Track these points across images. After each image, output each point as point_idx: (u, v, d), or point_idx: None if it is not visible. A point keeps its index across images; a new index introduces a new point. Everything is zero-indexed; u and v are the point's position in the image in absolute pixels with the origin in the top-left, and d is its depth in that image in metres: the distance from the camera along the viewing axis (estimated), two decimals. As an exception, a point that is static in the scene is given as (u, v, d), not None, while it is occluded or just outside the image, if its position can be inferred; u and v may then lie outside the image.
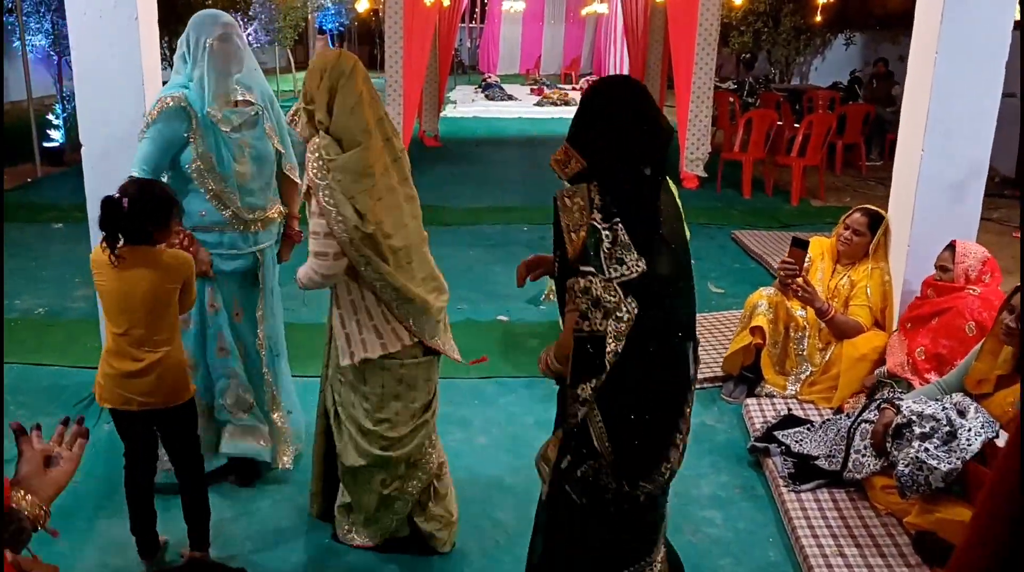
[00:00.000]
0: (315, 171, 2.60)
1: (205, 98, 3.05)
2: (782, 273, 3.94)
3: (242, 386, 3.33)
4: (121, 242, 2.58)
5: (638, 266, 2.09)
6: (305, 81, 2.69)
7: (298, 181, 3.39)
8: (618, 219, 2.10)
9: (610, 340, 2.10)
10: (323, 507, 3.16)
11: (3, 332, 4.76)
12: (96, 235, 3.77)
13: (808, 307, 4.05)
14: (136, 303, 2.61)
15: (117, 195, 2.55)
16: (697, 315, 2.34)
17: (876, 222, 4.07)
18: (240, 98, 3.14)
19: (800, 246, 3.83)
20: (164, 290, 2.63)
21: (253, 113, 3.17)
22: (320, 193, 2.59)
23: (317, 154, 2.60)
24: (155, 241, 2.63)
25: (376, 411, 2.84)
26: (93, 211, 3.75)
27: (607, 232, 2.09)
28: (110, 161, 3.68)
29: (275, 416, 3.43)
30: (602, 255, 2.08)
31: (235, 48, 3.08)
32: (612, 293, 2.08)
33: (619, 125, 2.15)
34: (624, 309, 2.09)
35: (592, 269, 2.09)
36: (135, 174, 3.07)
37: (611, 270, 2.08)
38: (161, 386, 2.67)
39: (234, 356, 3.31)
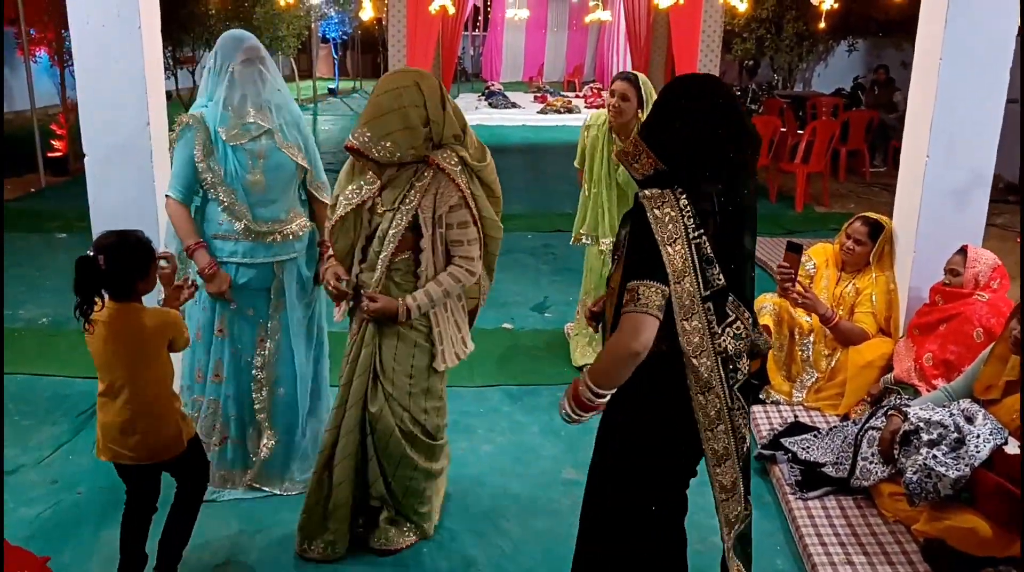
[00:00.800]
0: (466, 183, 2.77)
1: (219, 117, 3.13)
2: (779, 277, 3.94)
3: (220, 417, 3.33)
4: (105, 298, 2.51)
5: (718, 281, 2.07)
6: (408, 105, 2.63)
7: (326, 200, 3.35)
8: (702, 230, 2.04)
9: (740, 360, 2.16)
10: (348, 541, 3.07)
11: (3, 342, 4.76)
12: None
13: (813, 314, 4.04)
14: (117, 363, 2.56)
15: (91, 253, 2.46)
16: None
17: (876, 230, 4.06)
18: (251, 120, 3.17)
19: (795, 250, 3.81)
20: (146, 350, 2.57)
21: (266, 129, 3.19)
22: (472, 203, 2.79)
23: (460, 167, 2.75)
24: (139, 292, 2.57)
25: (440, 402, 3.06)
26: (96, 220, 3.75)
27: (696, 242, 2.03)
28: (113, 170, 3.68)
29: (263, 443, 3.35)
30: (697, 267, 2.04)
31: (256, 72, 3.15)
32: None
33: (703, 126, 2.04)
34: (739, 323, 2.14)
35: (685, 281, 2.03)
36: (170, 194, 3.17)
37: (703, 282, 2.05)
38: (147, 444, 2.60)
39: (228, 383, 3.31)
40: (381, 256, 2.80)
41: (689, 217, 2.03)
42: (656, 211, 2.03)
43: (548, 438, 3.91)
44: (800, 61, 13.84)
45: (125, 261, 2.49)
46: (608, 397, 2.13)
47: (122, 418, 2.57)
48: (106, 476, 3.45)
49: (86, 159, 3.71)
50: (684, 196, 2.04)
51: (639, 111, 4.17)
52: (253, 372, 3.32)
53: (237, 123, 3.14)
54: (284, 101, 3.28)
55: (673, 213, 2.02)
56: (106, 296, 2.51)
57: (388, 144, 2.63)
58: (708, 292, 2.06)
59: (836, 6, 7.65)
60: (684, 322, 2.05)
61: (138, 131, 3.64)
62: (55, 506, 3.29)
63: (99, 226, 3.77)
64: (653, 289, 2.01)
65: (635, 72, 4.29)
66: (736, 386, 2.16)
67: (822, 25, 8.62)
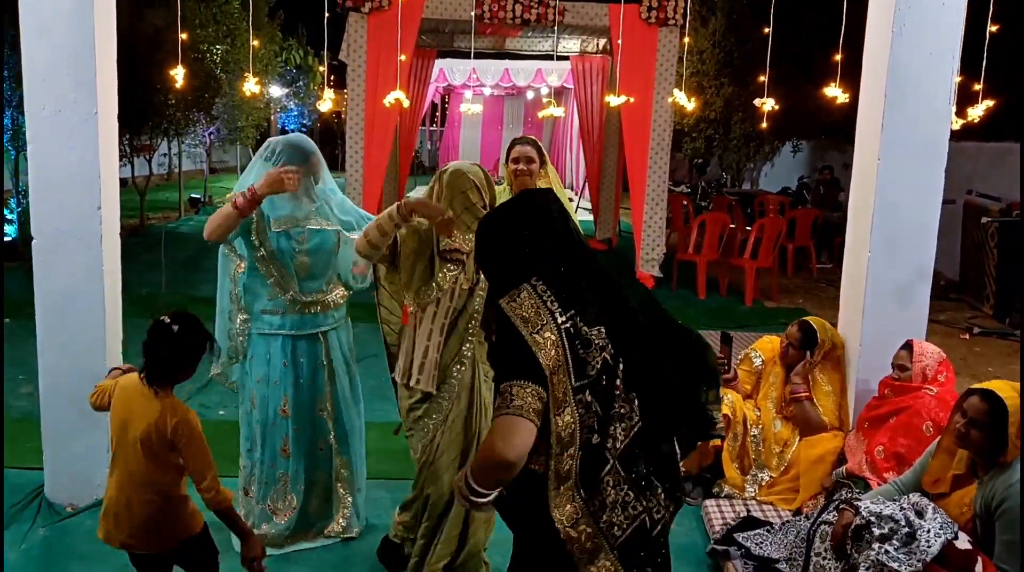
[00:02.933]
0: None
1: (272, 208, 3.36)
2: None
3: (291, 489, 3.55)
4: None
5: (594, 368, 1.94)
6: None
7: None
8: (573, 312, 1.94)
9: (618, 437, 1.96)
10: None
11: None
12: (46, 330, 3.70)
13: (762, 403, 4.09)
14: (127, 441, 2.51)
15: (167, 321, 2.49)
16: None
17: (808, 337, 4.12)
18: (313, 226, 3.42)
19: (726, 342, 4.15)
20: (152, 439, 2.49)
21: (306, 224, 3.43)
22: None
23: None
24: (175, 381, 2.57)
25: None
26: (42, 305, 3.69)
27: (567, 326, 1.92)
28: (61, 255, 3.63)
29: (340, 488, 3.66)
30: (569, 354, 1.91)
31: (310, 183, 3.42)
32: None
33: (511, 232, 2.04)
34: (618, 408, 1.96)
35: (564, 373, 1.90)
36: None
37: (575, 372, 1.91)
38: (141, 531, 2.54)
39: (296, 457, 3.53)
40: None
41: (552, 301, 1.94)
42: (514, 304, 1.94)
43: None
44: (747, 160, 14.32)
45: (189, 343, 2.52)
46: (492, 496, 1.93)
47: (119, 498, 2.53)
48: (35, 574, 3.29)
49: (34, 242, 3.66)
50: (541, 282, 1.96)
51: (540, 170, 4.17)
52: (319, 441, 3.57)
53: (288, 216, 3.38)
54: (329, 191, 3.52)
55: (534, 301, 1.93)
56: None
57: None
58: (580, 382, 1.92)
59: (777, 108, 7.97)
60: (556, 418, 1.91)
61: (89, 216, 3.62)
62: (-22, 606, 3.11)
63: (44, 310, 3.70)
64: (528, 390, 1.86)
65: (530, 136, 4.33)
66: (635, 479, 1.99)
67: (764, 125, 8.95)
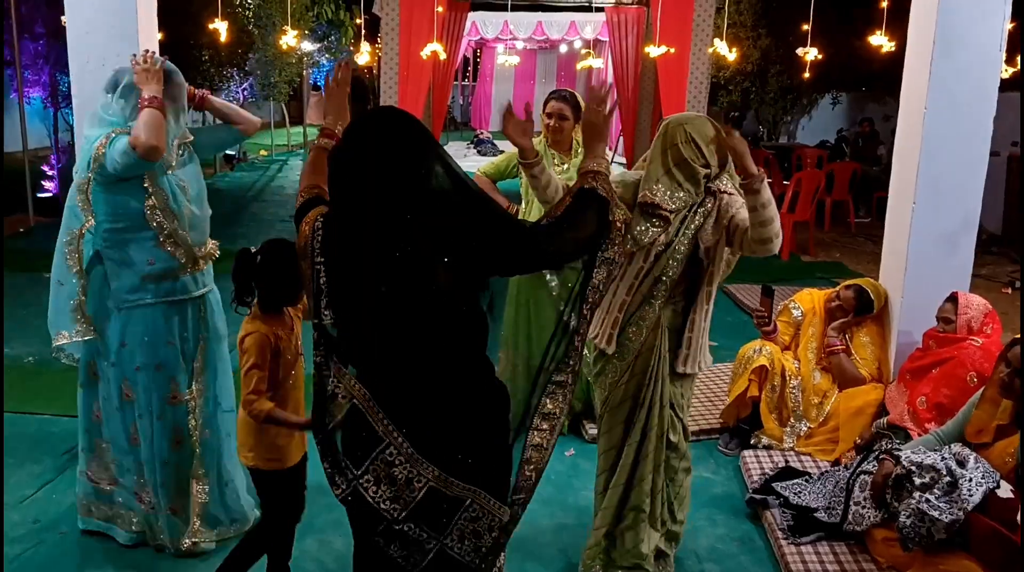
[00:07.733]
0: None
1: None
2: (756, 321, 4.06)
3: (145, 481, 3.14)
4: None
5: (324, 317, 1.93)
6: None
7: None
8: (323, 260, 1.92)
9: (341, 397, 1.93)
10: None
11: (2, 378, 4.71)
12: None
13: (801, 360, 4.08)
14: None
15: (252, 249, 2.57)
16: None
17: (863, 305, 4.10)
18: (187, 140, 3.11)
19: (768, 294, 3.98)
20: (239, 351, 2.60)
21: (183, 153, 3.08)
22: None
23: None
24: (278, 303, 2.61)
25: None
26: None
27: (317, 267, 1.93)
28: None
29: (194, 485, 3.18)
30: (313, 292, 1.94)
31: (179, 90, 3.02)
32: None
33: (333, 156, 1.97)
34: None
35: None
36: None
37: (314, 309, 1.95)
38: (244, 442, 2.67)
39: (144, 447, 3.09)
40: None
41: (318, 240, 1.93)
42: (304, 225, 1.98)
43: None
44: (784, 114, 14.07)
45: (275, 269, 2.53)
46: None
47: None
48: (71, 519, 3.38)
49: (80, 196, 3.70)
50: (321, 218, 1.96)
51: (576, 126, 4.08)
52: (179, 429, 3.11)
53: (172, 146, 3.00)
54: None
55: (307, 230, 1.95)
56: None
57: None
58: (317, 321, 1.95)
59: (820, 57, 7.79)
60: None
61: (134, 169, 3.64)
62: (37, 546, 3.22)
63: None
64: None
65: (567, 90, 4.21)
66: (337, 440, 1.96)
67: (807, 75, 8.76)
